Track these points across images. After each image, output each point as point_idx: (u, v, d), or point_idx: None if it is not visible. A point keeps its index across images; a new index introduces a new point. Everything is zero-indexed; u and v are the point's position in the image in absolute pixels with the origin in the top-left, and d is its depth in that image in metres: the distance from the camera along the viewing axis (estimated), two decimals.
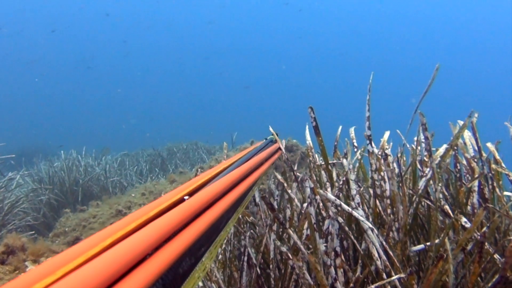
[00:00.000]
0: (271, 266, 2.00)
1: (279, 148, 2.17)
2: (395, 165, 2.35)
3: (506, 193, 2.11)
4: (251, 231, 2.26)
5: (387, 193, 1.96)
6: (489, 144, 2.31)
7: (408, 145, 2.50)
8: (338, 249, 1.76)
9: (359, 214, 1.80)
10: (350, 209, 1.79)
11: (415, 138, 2.53)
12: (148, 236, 0.59)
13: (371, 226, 1.74)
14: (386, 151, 2.16)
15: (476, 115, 2.24)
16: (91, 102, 47.24)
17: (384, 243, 1.72)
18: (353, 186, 1.94)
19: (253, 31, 55.56)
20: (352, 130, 2.56)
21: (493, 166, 2.13)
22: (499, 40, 50.12)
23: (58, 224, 5.46)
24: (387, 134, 2.36)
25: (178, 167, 9.82)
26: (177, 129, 37.11)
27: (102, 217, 5.30)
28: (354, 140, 2.53)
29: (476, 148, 2.19)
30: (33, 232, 5.84)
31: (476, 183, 2.08)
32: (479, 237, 1.63)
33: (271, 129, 2.45)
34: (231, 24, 54.66)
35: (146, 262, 0.57)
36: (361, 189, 2.11)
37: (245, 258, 1.95)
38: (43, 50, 47.19)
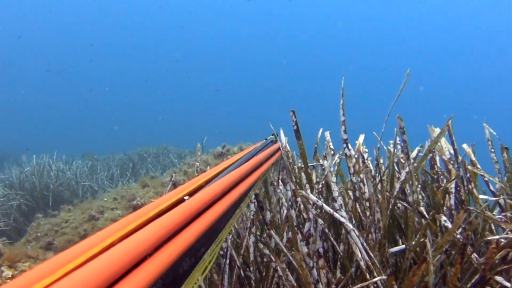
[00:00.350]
0: (251, 268, 2.00)
1: (279, 148, 2.17)
2: (370, 164, 2.37)
3: (481, 196, 2.14)
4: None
5: (366, 195, 1.98)
6: (465, 146, 2.35)
7: (385, 147, 2.52)
8: (321, 250, 1.78)
9: (342, 215, 1.81)
10: (331, 210, 1.80)
11: (391, 141, 2.56)
12: (148, 236, 0.59)
13: (352, 227, 1.75)
14: (364, 154, 2.19)
15: (449, 121, 2.28)
16: (61, 106, 46.71)
17: (364, 244, 1.74)
18: (335, 188, 1.96)
19: (223, 35, 55.40)
20: (327, 134, 2.58)
21: (469, 167, 2.16)
22: (477, 42, 50.83)
23: (30, 229, 5.39)
24: (362, 137, 2.39)
25: (150, 171, 9.78)
26: (146, 132, 36.85)
27: (74, 221, 5.25)
28: (330, 143, 2.55)
29: (452, 151, 2.22)
30: (4, 238, 5.74)
31: (452, 184, 2.11)
32: (460, 239, 1.66)
33: (272, 127, 2.44)
34: (200, 29, 54.50)
35: (146, 262, 0.57)
36: (341, 190, 2.13)
37: (227, 261, 1.95)
38: (11, 55, 46.50)
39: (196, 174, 2.91)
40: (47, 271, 0.46)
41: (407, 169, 2.00)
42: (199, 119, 45.92)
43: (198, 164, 3.00)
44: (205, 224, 0.78)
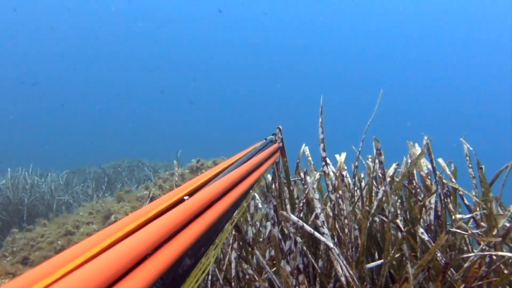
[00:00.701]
0: (232, 284, 2.00)
1: (279, 148, 2.16)
2: (350, 180, 2.39)
3: (458, 216, 2.17)
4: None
5: (345, 212, 1.99)
6: (440, 160, 2.38)
7: (364, 162, 2.54)
8: (300, 266, 1.79)
9: (324, 232, 1.83)
10: (312, 230, 1.81)
11: (369, 156, 2.58)
12: (148, 236, 0.59)
13: (332, 245, 1.77)
14: (343, 172, 2.20)
15: (426, 137, 2.32)
16: (35, 118, 46.16)
17: (345, 261, 1.76)
18: (317, 204, 1.96)
19: (197, 47, 54.89)
20: (307, 149, 2.60)
21: (445, 181, 2.19)
22: (462, 53, 51.09)
23: (6, 244, 5.33)
24: (343, 155, 2.41)
25: (125, 185, 9.75)
26: (120, 144, 36.56)
27: (50, 236, 5.21)
28: (310, 158, 2.56)
29: (431, 167, 2.24)
30: None
31: (432, 199, 2.14)
32: (441, 258, 1.69)
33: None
34: (174, 40, 54.25)
35: (146, 262, 0.57)
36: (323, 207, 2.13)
37: (209, 277, 1.95)
38: None
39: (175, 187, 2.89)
40: (47, 271, 0.46)
41: (383, 188, 2.02)
42: (172, 132, 45.53)
43: (176, 179, 2.98)
44: (205, 224, 0.78)
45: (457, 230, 1.85)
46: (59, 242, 5.06)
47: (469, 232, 1.89)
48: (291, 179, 2.32)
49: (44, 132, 43.26)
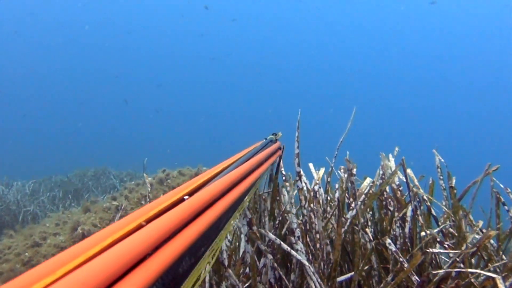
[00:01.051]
0: None
1: (279, 148, 2.16)
2: (323, 195, 2.41)
3: (423, 233, 2.20)
4: None
5: (317, 227, 2.00)
6: (408, 170, 2.41)
7: (336, 173, 2.56)
8: (272, 280, 1.80)
9: (298, 248, 1.84)
10: (289, 248, 1.82)
11: (342, 167, 2.60)
12: (148, 236, 0.59)
13: (307, 263, 1.78)
14: (316, 187, 2.22)
15: (397, 148, 2.36)
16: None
17: (319, 280, 1.77)
18: (293, 219, 1.97)
19: (162, 54, 54.30)
20: (281, 162, 2.61)
21: (414, 190, 2.21)
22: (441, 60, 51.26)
23: None
24: (322, 171, 2.42)
25: (91, 194, 9.66)
26: (84, 152, 35.92)
27: (17, 248, 5.13)
28: (282, 169, 2.57)
29: (405, 181, 2.26)
30: None
31: (408, 212, 2.16)
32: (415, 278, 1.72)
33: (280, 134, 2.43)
34: (139, 47, 53.61)
35: (146, 262, 0.57)
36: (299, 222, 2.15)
37: None
38: None
39: (149, 200, 2.89)
40: (47, 271, 0.46)
41: (355, 205, 2.04)
42: (137, 140, 44.82)
43: (149, 189, 2.97)
44: (205, 223, 0.78)
45: (434, 250, 1.88)
46: (27, 254, 4.98)
47: (443, 248, 1.93)
48: (266, 191, 2.33)
49: (9, 139, 42.30)
